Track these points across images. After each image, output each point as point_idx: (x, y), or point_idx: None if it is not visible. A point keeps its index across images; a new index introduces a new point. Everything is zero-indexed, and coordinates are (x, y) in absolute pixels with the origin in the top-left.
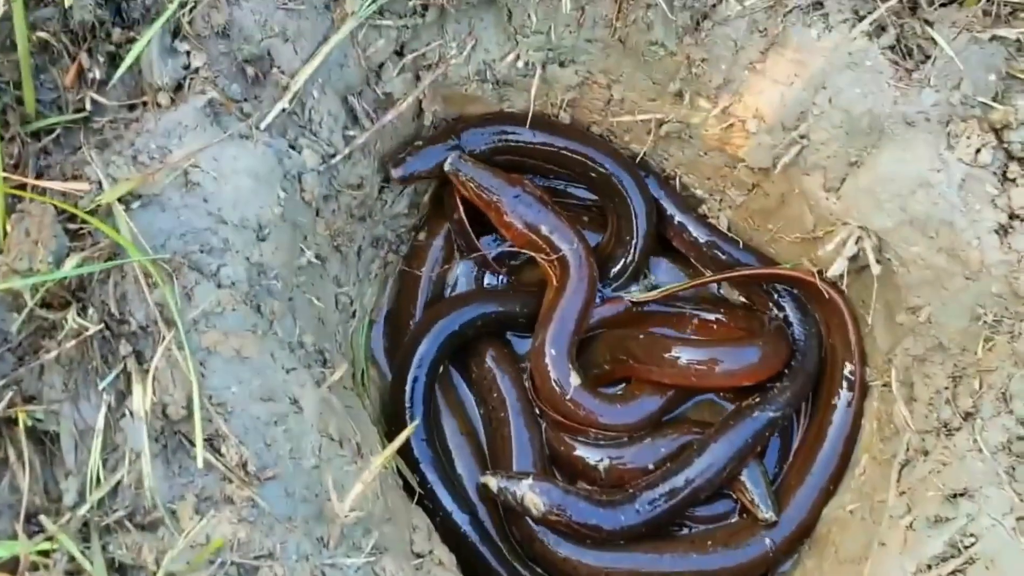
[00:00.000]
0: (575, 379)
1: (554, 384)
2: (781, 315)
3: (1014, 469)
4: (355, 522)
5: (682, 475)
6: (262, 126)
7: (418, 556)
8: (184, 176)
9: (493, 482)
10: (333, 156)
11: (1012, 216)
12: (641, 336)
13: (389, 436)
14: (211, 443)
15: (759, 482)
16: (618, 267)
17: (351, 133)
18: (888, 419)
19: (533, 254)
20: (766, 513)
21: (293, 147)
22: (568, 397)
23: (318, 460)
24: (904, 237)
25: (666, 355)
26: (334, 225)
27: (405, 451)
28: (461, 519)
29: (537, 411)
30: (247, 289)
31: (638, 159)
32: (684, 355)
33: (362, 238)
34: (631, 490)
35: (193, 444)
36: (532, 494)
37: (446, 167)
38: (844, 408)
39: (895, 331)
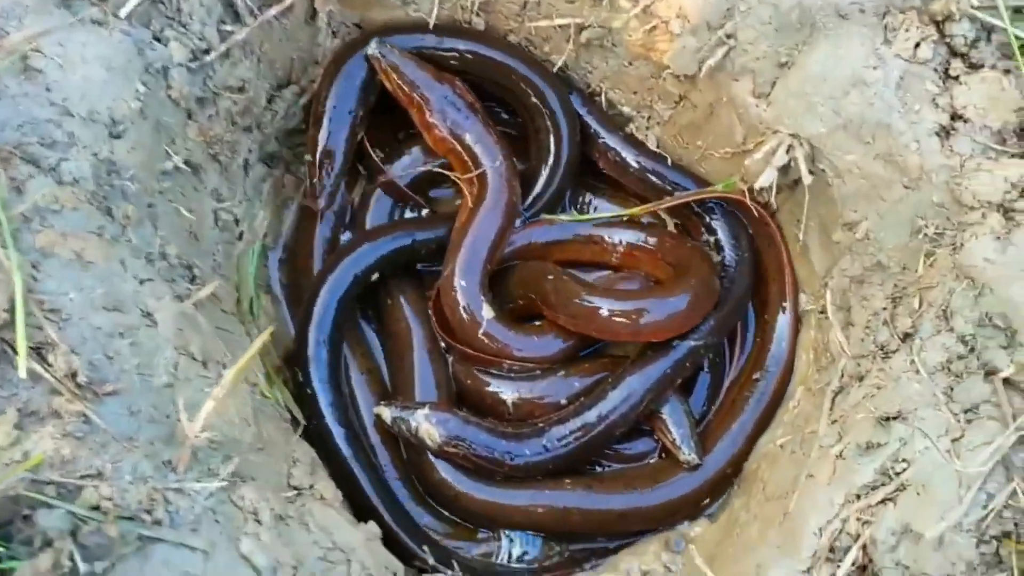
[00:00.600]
0: (488, 311)
1: (465, 316)
2: (713, 239)
3: (952, 389)
4: (211, 446)
5: (595, 409)
6: (121, 13)
7: (295, 490)
8: (23, 62)
9: (387, 412)
10: (207, 52)
11: (954, 116)
12: (552, 277)
13: (294, 380)
14: (39, 352)
15: (681, 421)
16: (538, 190)
17: (229, 28)
18: (825, 348)
19: (448, 174)
20: (688, 455)
21: (158, 39)
22: (481, 331)
23: (172, 379)
24: (838, 144)
25: (580, 303)
26: (210, 131)
27: (304, 389)
28: (351, 456)
29: (443, 345)
30: (93, 188)
31: (558, 71)
32: (603, 306)
33: (248, 151)
34: (540, 424)
35: (17, 352)
36: (428, 424)
37: (369, 51)
38: (778, 340)
39: (832, 251)
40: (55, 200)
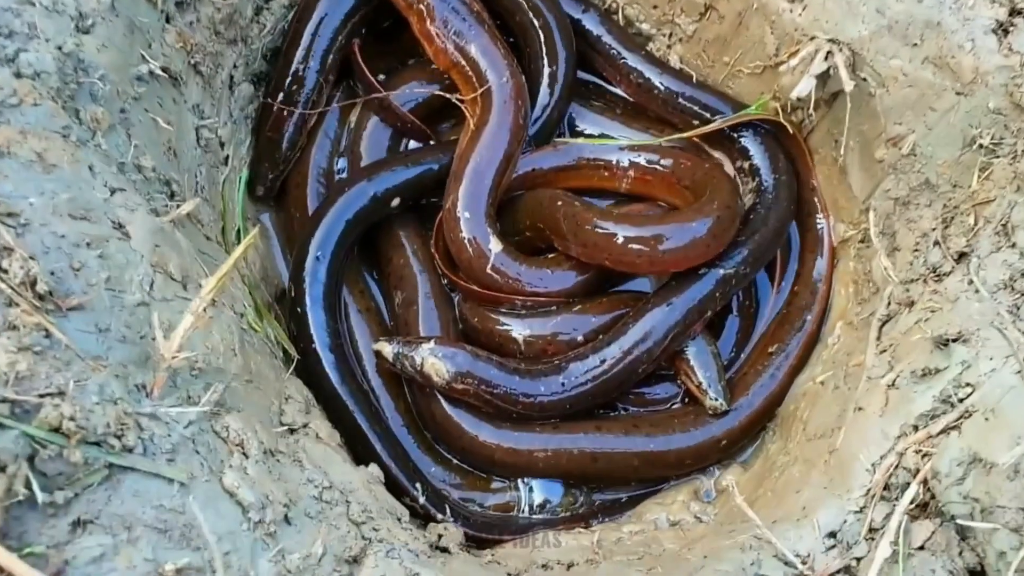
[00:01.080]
0: (495, 244)
1: (471, 251)
2: (747, 163)
3: (1018, 308)
4: (192, 373)
5: (616, 344)
6: None
7: (287, 427)
8: None
9: (388, 348)
10: None
11: (1013, 12)
12: (561, 204)
13: (290, 323)
14: None
15: (708, 363)
16: (535, 113)
17: None
18: (867, 278)
19: (448, 96)
20: (715, 400)
21: None
22: (489, 265)
23: (146, 297)
24: (882, 48)
25: (593, 230)
26: (191, 39)
27: (301, 329)
28: (350, 399)
29: (446, 281)
30: (57, 84)
31: None
32: (619, 232)
33: (233, 66)
34: (557, 361)
35: None
36: (434, 359)
37: None
38: (814, 275)
39: (873, 171)
40: (13, 93)
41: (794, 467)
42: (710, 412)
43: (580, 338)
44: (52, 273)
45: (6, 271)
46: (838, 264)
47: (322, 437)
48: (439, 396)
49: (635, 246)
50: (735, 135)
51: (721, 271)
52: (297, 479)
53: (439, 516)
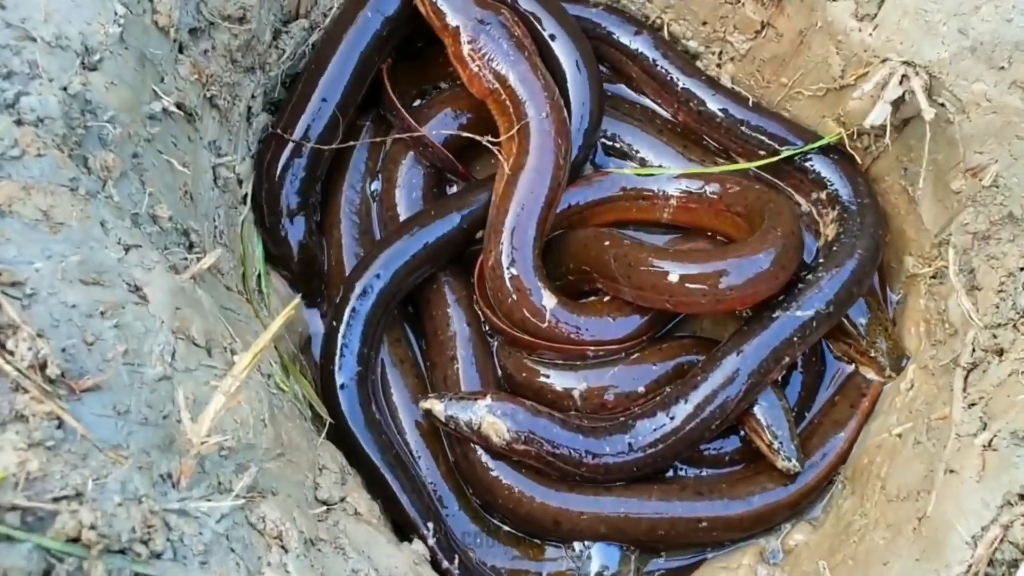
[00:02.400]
0: (549, 299)
1: (524, 309)
2: (823, 193)
3: None
4: (221, 454)
5: (687, 400)
6: None
7: (324, 504)
8: None
9: (439, 406)
10: None
11: None
12: (609, 244)
13: (323, 387)
14: None
15: (780, 420)
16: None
17: None
18: (941, 318)
19: (478, 138)
20: (788, 461)
21: None
22: (546, 322)
23: (168, 369)
24: (963, 71)
25: (648, 270)
26: (206, 69)
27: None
28: (386, 463)
29: (494, 336)
30: (63, 130)
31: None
32: (675, 271)
33: (251, 96)
34: (622, 417)
35: None
36: (492, 416)
37: None
38: None
39: (948, 203)
40: (14, 144)
41: (876, 532)
42: (783, 472)
43: (641, 389)
44: (63, 350)
45: (12, 352)
46: (907, 301)
47: (361, 513)
48: (484, 457)
49: (695, 285)
50: (806, 164)
51: (799, 313)
52: (340, 569)
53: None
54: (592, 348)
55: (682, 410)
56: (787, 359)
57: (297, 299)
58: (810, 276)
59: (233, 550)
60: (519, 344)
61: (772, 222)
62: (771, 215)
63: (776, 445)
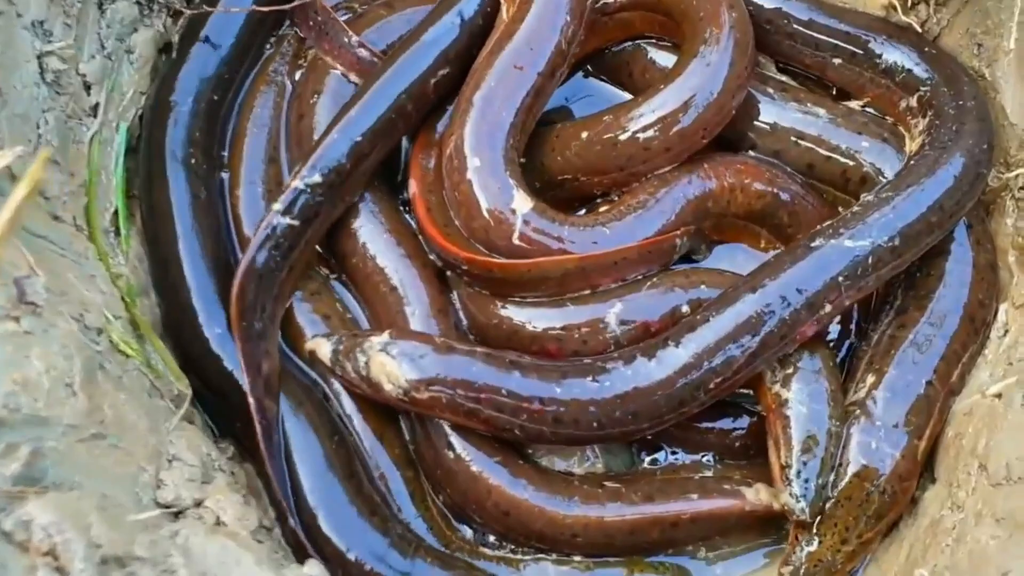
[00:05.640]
0: (523, 201)
1: (487, 215)
2: (914, 99)
3: None
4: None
5: (683, 345)
6: None
7: (166, 508)
8: None
9: (327, 347)
10: None
11: None
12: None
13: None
14: None
15: (819, 430)
16: None
17: None
18: None
19: None
20: (796, 500)
21: None
22: (516, 233)
23: None
24: None
25: (599, 142)
26: None
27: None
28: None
29: (442, 261)
30: None
31: None
32: (627, 126)
33: None
34: (588, 359)
35: None
36: (385, 357)
37: None
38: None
39: None
40: None
41: (980, 529)
42: (783, 508)
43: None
44: None
45: None
46: (990, 223)
47: (225, 522)
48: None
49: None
50: (891, 64)
51: (849, 243)
52: None
53: None
54: (578, 268)
55: (671, 358)
56: (828, 308)
57: (47, 151)
58: (871, 197)
59: None
60: (480, 280)
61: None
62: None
63: (791, 472)
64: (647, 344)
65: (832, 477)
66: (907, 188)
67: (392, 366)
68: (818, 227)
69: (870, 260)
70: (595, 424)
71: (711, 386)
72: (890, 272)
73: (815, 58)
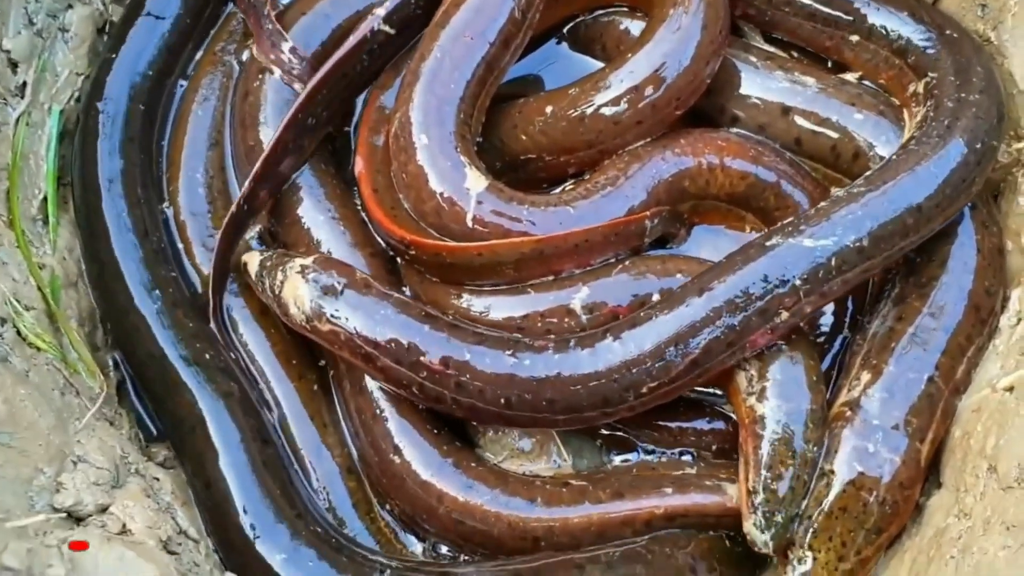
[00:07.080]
0: (477, 180)
1: (438, 197)
2: (921, 85)
3: None
4: None
5: (621, 340)
6: None
7: (66, 515)
8: None
9: (255, 259)
10: None
11: None
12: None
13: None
14: None
15: (792, 451)
16: None
17: None
18: None
19: None
20: (759, 530)
21: None
22: (469, 215)
23: None
24: None
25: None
26: None
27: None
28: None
29: (388, 243)
30: None
31: None
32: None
33: None
34: (516, 336)
35: None
36: (300, 280)
37: None
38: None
39: None
40: None
41: (988, 539)
42: (745, 536)
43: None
44: None
45: None
46: (1000, 202)
47: (132, 531)
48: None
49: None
50: (904, 42)
51: (809, 243)
52: None
53: None
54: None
55: (605, 351)
56: (784, 315)
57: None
58: (841, 192)
59: None
60: (430, 267)
61: None
62: None
63: (757, 500)
64: (585, 334)
65: (804, 505)
66: (881, 184)
67: (303, 290)
68: (777, 224)
69: (832, 263)
70: (502, 401)
71: (643, 390)
72: (859, 277)
73: (833, 39)
